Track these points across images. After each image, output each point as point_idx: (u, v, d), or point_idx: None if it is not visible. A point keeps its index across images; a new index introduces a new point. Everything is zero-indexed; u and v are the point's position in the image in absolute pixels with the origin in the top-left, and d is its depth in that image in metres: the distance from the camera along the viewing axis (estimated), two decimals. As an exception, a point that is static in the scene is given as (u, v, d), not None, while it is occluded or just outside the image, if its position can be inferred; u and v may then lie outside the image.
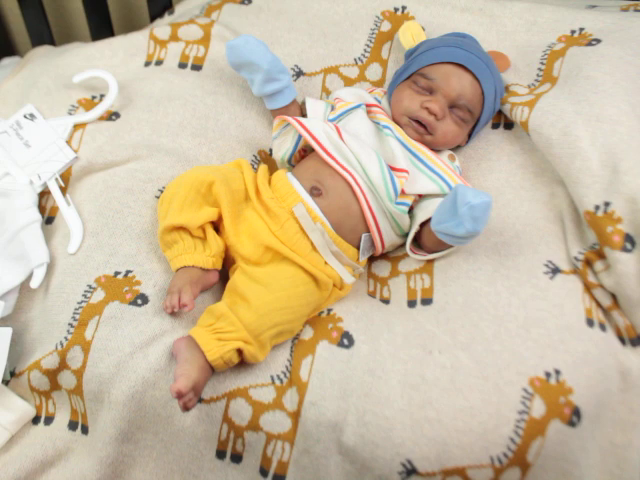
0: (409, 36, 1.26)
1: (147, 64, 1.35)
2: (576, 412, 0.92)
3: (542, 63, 1.22)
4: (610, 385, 0.96)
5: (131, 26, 1.68)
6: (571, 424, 0.92)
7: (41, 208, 1.19)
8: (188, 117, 1.24)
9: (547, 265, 1.03)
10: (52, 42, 1.64)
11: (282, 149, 1.19)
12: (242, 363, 1.00)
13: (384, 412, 0.92)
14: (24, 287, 1.12)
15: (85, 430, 1.05)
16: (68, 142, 1.23)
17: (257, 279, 1.02)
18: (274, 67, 1.13)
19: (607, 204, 1.00)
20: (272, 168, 1.22)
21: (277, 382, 1.00)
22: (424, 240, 1.10)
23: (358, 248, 1.11)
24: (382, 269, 1.15)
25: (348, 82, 1.31)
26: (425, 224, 1.09)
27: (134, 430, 1.00)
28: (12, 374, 1.09)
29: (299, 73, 1.31)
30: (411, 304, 1.06)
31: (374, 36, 1.33)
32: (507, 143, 1.20)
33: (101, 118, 1.26)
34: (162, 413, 0.99)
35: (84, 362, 1.01)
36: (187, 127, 1.22)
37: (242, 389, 1.00)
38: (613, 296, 1.01)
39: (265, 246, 1.05)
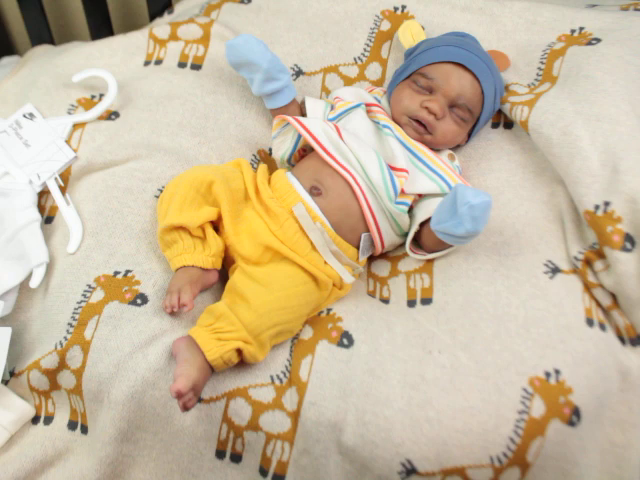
0: (409, 35, 1.26)
1: (147, 63, 1.34)
2: (576, 412, 0.92)
3: (542, 62, 1.22)
4: (610, 385, 0.96)
5: (130, 25, 1.68)
6: (571, 424, 0.92)
7: (40, 208, 1.19)
8: (187, 116, 1.23)
9: (547, 265, 1.03)
10: (51, 41, 1.64)
11: (282, 148, 1.19)
12: (242, 363, 1.00)
13: (384, 412, 0.92)
14: (23, 287, 1.12)
15: (85, 430, 1.05)
16: (67, 141, 1.23)
17: (257, 279, 1.02)
18: (274, 66, 1.13)
19: (607, 204, 1.00)
20: (272, 167, 1.22)
21: (277, 382, 1.00)
22: (424, 240, 1.10)
23: (358, 248, 1.11)
24: (382, 269, 1.15)
25: (348, 81, 1.31)
26: (425, 224, 1.09)
27: (134, 430, 1.00)
28: (12, 374, 1.09)
29: (299, 72, 1.31)
30: (411, 304, 1.06)
31: (374, 35, 1.33)
32: (507, 142, 1.20)
33: (100, 117, 1.26)
34: (162, 413, 0.99)
35: (84, 362, 1.01)
36: (186, 126, 1.22)
37: (242, 389, 1.00)
38: (613, 296, 1.01)
39: (265, 246, 1.05)
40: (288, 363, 1.02)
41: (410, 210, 1.12)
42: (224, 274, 1.10)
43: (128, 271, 1.08)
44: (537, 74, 1.22)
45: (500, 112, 1.22)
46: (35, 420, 1.08)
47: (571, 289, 1.00)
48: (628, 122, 1.04)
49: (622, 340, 0.99)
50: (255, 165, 1.23)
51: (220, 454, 1.02)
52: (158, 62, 1.34)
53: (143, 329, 1.01)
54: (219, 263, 1.07)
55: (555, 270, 1.02)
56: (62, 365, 1.03)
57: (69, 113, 1.28)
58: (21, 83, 1.37)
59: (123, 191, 1.15)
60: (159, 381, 0.98)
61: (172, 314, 1.04)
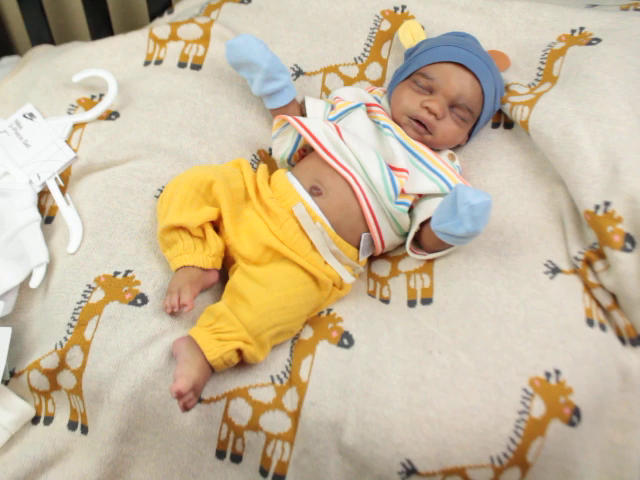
0: (409, 35, 1.26)
1: (147, 63, 1.34)
2: (576, 412, 0.92)
3: (542, 62, 1.22)
4: (610, 385, 0.96)
5: (131, 25, 1.68)
6: (571, 424, 0.92)
7: (40, 208, 1.19)
8: (187, 116, 1.23)
9: (547, 265, 1.03)
10: (52, 41, 1.64)
11: (282, 148, 1.19)
12: (242, 363, 1.00)
13: (384, 412, 0.92)
14: (23, 287, 1.12)
15: (85, 430, 1.05)
16: (67, 141, 1.23)
17: (257, 279, 1.02)
18: (274, 66, 1.13)
19: (607, 204, 1.00)
20: (272, 167, 1.22)
21: (277, 382, 1.00)
22: (424, 240, 1.10)
23: (358, 248, 1.11)
24: (382, 269, 1.15)
25: (348, 81, 1.31)
26: (425, 224, 1.09)
27: (134, 430, 1.00)
28: (12, 374, 1.09)
29: (299, 72, 1.31)
30: (411, 304, 1.06)
31: (374, 35, 1.33)
32: (507, 142, 1.20)
33: (100, 117, 1.26)
34: (162, 413, 0.99)
35: (84, 362, 1.01)
36: (186, 126, 1.22)
37: (242, 389, 0.99)
38: (613, 296, 1.01)
39: (265, 246, 1.05)
40: (288, 363, 1.02)
41: (410, 210, 1.12)
42: (224, 274, 1.10)
43: (128, 271, 1.08)
44: (537, 74, 1.22)
45: (500, 112, 1.22)
46: (35, 420, 1.08)
47: (571, 289, 1.00)
48: (628, 122, 1.04)
49: (622, 340, 0.99)
50: (255, 165, 1.23)
51: (220, 454, 1.02)
52: (158, 62, 1.34)
53: (143, 329, 1.01)
54: (219, 263, 1.07)
55: (555, 270, 1.02)
56: (62, 365, 1.03)
57: (69, 113, 1.28)
58: (21, 83, 1.37)
59: (123, 191, 1.15)
60: (159, 381, 0.98)
61: (172, 314, 1.03)
